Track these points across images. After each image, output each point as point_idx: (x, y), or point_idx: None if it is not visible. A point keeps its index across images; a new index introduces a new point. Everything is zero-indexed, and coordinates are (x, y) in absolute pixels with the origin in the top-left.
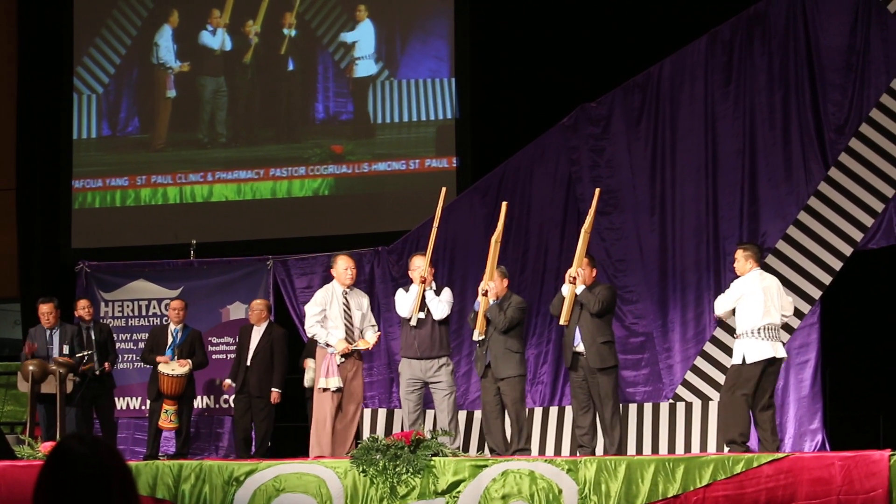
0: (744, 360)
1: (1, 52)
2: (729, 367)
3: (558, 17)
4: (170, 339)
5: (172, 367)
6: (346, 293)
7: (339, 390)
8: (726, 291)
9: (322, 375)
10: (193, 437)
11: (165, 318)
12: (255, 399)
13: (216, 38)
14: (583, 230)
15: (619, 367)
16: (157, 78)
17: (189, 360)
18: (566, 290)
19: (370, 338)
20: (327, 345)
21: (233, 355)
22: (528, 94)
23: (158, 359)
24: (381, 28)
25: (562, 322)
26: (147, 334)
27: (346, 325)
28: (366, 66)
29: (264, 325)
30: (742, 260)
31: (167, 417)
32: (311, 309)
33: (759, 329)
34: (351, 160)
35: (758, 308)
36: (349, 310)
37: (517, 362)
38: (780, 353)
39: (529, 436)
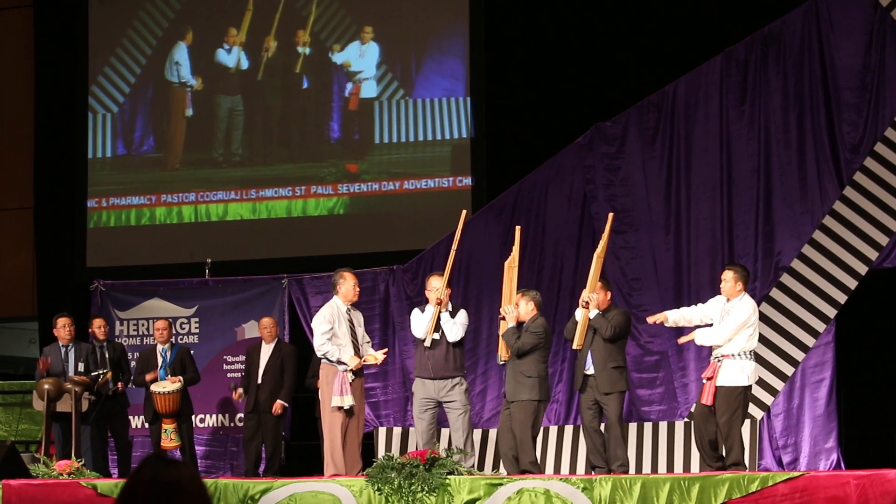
0: (749, 381)
1: (18, 71)
2: (725, 387)
3: (573, 36)
4: (160, 360)
5: (164, 385)
6: (350, 310)
7: (350, 409)
8: (733, 319)
9: (336, 394)
10: (207, 455)
11: (181, 336)
12: (264, 415)
13: (232, 57)
14: (595, 255)
15: (627, 393)
16: (173, 96)
17: (180, 377)
18: (579, 314)
19: (378, 354)
20: (339, 362)
21: None
22: (544, 113)
23: (147, 377)
24: (395, 48)
25: (575, 346)
26: None
27: (352, 342)
28: (374, 87)
29: (273, 343)
30: (732, 282)
31: (167, 437)
32: (322, 327)
33: (752, 351)
34: (366, 179)
35: (755, 331)
36: (353, 327)
37: (530, 387)
38: None
39: (535, 460)
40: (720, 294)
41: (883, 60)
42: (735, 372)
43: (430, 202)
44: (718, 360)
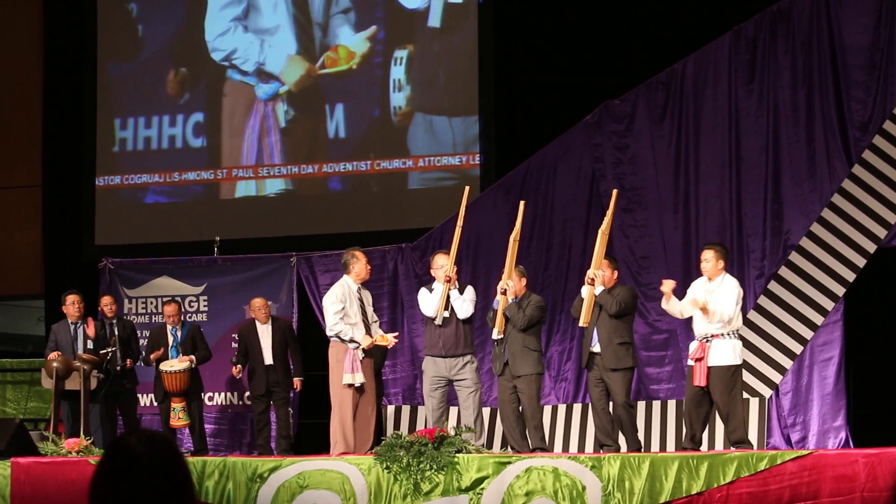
0: (739, 359)
1: (27, 49)
2: (720, 367)
3: (583, 14)
4: (170, 339)
5: (172, 364)
6: (360, 289)
7: (361, 386)
8: (728, 296)
9: (347, 372)
10: (217, 434)
11: (189, 314)
12: (276, 396)
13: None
14: (600, 232)
15: (635, 370)
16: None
17: (191, 356)
18: (585, 291)
19: (389, 336)
20: (351, 341)
21: None
22: (552, 92)
23: (152, 356)
24: (404, 23)
25: (581, 324)
26: None
27: (363, 321)
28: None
29: (269, 323)
30: (713, 261)
31: (176, 415)
32: (334, 306)
33: (739, 330)
34: (375, 157)
35: (739, 310)
36: (364, 306)
37: (535, 360)
38: None
39: (544, 435)
40: (701, 276)
41: (892, 38)
42: (727, 351)
43: (439, 180)
44: (707, 341)
